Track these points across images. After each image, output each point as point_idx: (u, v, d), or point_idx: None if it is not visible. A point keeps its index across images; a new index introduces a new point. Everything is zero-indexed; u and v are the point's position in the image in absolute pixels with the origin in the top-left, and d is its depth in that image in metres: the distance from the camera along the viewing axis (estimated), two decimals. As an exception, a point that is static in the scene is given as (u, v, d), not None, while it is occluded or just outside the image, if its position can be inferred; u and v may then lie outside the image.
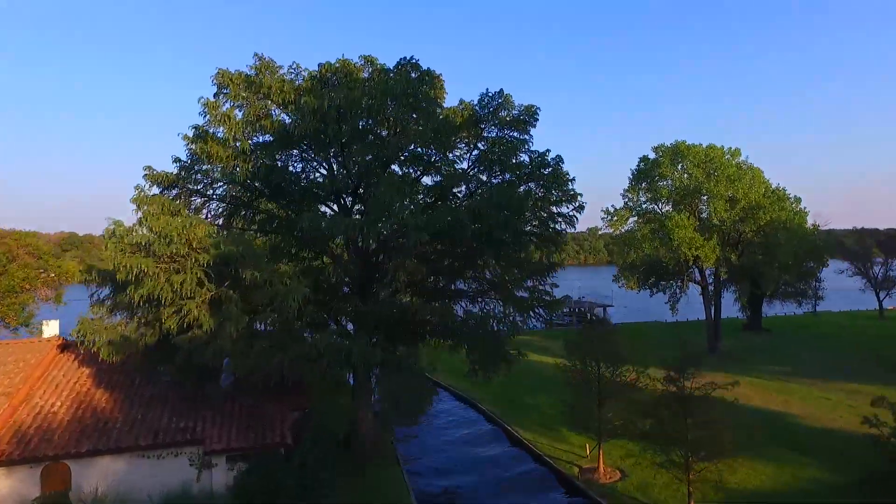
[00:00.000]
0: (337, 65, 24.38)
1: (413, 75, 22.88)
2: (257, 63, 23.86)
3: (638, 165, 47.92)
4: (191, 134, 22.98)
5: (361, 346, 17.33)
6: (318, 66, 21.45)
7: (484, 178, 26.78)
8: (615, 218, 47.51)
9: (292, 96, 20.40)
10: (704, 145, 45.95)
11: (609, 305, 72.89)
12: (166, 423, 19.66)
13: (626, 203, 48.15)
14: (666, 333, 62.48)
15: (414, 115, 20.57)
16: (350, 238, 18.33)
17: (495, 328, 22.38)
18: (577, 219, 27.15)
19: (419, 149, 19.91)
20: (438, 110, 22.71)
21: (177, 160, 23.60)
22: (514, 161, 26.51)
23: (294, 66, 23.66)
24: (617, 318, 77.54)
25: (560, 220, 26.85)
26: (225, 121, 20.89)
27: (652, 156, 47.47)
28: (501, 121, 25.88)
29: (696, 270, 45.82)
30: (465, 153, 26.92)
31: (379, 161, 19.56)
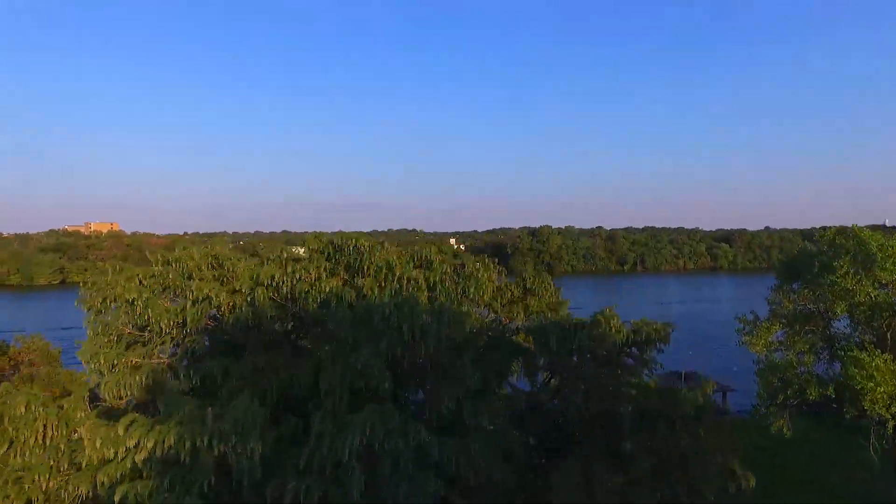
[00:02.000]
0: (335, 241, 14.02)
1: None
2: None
3: (790, 259, 33.83)
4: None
5: None
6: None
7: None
8: (755, 332, 33.60)
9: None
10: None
11: (731, 390, 56.77)
12: None
13: (771, 310, 34.13)
14: (806, 429, 46.52)
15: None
16: None
17: None
18: None
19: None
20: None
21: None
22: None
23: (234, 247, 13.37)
24: (738, 402, 61.36)
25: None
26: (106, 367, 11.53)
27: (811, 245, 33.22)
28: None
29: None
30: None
31: None
